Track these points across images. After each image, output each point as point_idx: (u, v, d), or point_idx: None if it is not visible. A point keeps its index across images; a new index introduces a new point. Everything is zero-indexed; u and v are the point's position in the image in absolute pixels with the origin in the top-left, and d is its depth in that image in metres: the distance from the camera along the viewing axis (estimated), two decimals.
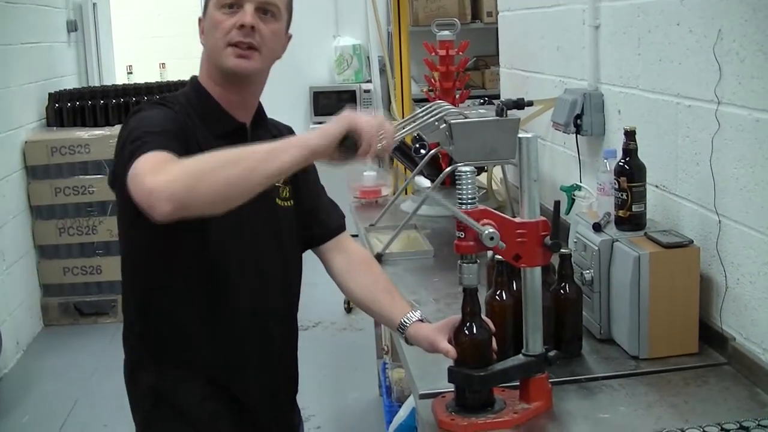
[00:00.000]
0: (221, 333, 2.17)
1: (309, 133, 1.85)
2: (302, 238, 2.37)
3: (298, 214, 2.33)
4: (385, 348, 4.45)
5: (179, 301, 2.15)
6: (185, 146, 1.96)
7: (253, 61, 2.10)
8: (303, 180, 2.33)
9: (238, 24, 2.06)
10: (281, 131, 2.34)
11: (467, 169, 1.93)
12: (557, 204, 1.97)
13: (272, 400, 2.30)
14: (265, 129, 2.28)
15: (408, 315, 2.18)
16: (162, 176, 1.74)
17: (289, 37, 2.27)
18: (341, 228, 2.43)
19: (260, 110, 2.29)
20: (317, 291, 6.65)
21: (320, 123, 6.21)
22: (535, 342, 2.00)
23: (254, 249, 2.20)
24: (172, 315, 2.16)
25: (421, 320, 2.17)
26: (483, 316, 2.03)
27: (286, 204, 2.29)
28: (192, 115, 2.13)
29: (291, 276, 2.34)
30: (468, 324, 1.99)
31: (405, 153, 3.84)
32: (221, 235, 2.11)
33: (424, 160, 3.51)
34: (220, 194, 1.77)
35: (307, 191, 2.38)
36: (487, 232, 1.86)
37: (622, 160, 2.40)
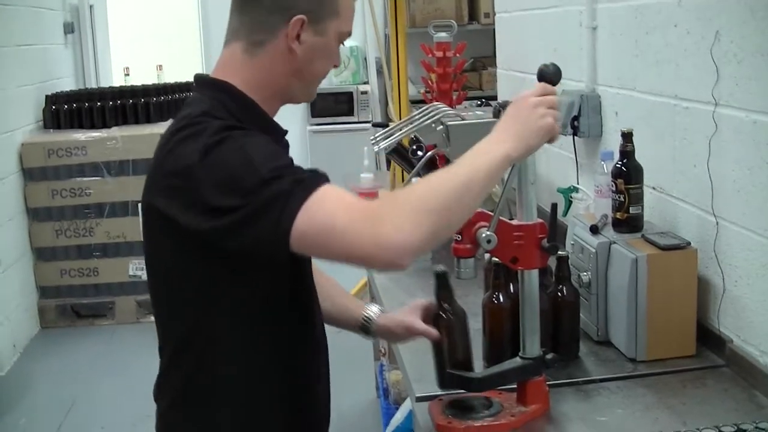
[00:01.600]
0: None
1: (504, 142, 1.78)
2: None
3: None
4: (383, 350, 4.44)
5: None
6: None
7: None
8: None
9: (337, 64, 1.94)
10: None
11: None
12: (554, 206, 1.97)
13: None
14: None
15: (369, 309, 2.17)
16: (401, 225, 1.55)
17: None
18: None
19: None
20: None
21: (318, 125, 6.18)
22: (532, 345, 1.99)
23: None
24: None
25: (382, 312, 2.16)
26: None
27: None
28: (247, 120, 1.84)
29: None
30: (444, 306, 2.03)
31: (402, 155, 3.83)
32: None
33: (421, 162, 3.50)
34: (456, 227, 1.73)
35: None
36: (484, 235, 1.86)
37: (619, 162, 2.40)
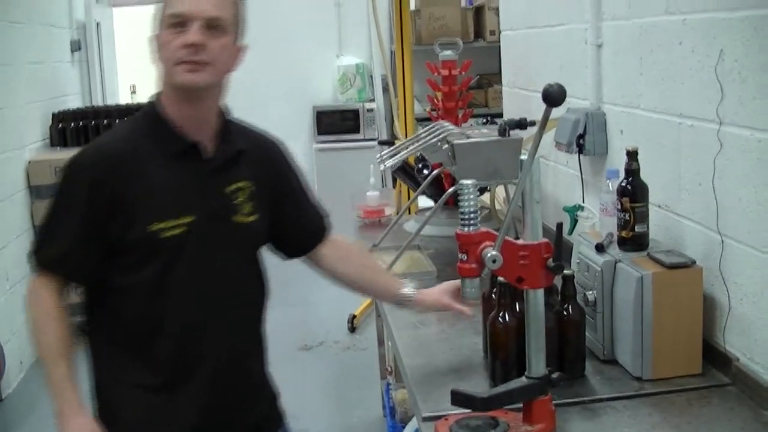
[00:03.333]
0: None
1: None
2: (294, 248, 2.51)
3: (267, 227, 2.36)
4: (389, 368, 4.43)
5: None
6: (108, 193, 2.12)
7: (205, 74, 2.12)
8: (276, 194, 2.37)
9: (185, 43, 2.09)
10: (251, 144, 2.37)
11: (469, 182, 1.92)
12: (559, 226, 1.97)
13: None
14: (228, 145, 2.28)
15: (407, 287, 2.49)
16: None
17: (243, 48, 2.29)
18: (329, 229, 2.53)
19: (225, 125, 2.30)
20: (320, 310, 6.72)
21: (324, 142, 6.26)
22: (538, 364, 1.99)
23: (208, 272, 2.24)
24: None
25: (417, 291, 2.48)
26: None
27: (248, 220, 2.29)
28: (144, 135, 2.21)
29: (250, 290, 2.37)
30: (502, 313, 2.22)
31: (408, 173, 3.85)
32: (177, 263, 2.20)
33: (426, 181, 3.51)
34: None
35: (286, 204, 2.42)
36: (489, 254, 1.86)
37: (625, 181, 2.40)
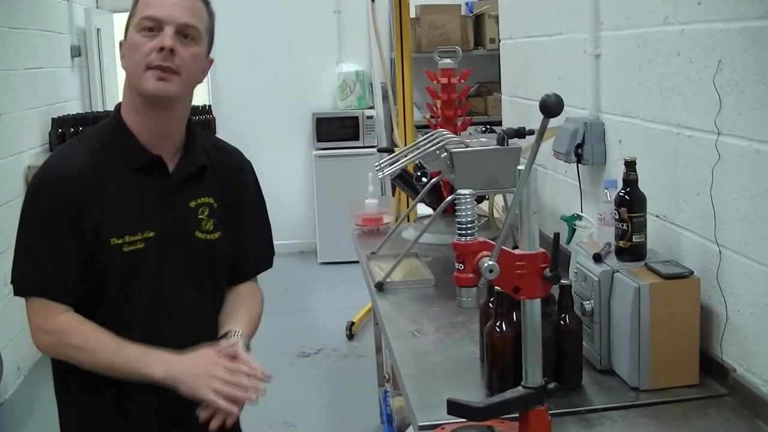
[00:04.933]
0: None
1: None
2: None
3: (228, 244, 2.34)
4: (387, 376, 4.43)
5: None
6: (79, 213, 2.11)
7: (173, 85, 2.11)
8: (232, 212, 2.35)
9: (157, 47, 2.08)
10: (217, 160, 2.35)
11: (466, 192, 1.92)
12: (557, 236, 1.97)
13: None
14: (192, 159, 2.27)
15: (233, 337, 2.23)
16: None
17: (210, 62, 2.28)
18: (262, 269, 2.49)
19: (190, 138, 2.29)
20: (319, 317, 6.72)
21: (323, 149, 6.28)
22: (534, 374, 1.99)
23: (160, 287, 2.21)
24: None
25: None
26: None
27: (209, 237, 2.28)
28: (107, 149, 2.19)
29: (207, 308, 2.32)
30: (499, 322, 2.20)
31: (407, 181, 3.85)
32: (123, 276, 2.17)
33: (425, 189, 3.52)
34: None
35: (236, 225, 2.37)
36: (486, 264, 1.86)
37: (623, 191, 2.40)
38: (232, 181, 2.36)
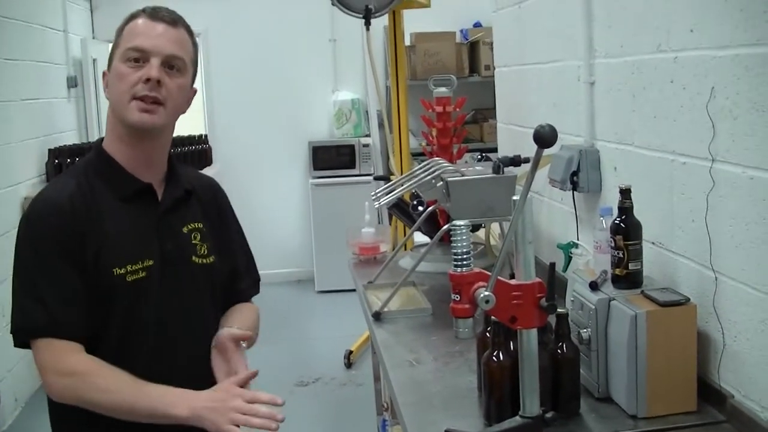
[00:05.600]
0: None
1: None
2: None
3: (222, 266, 2.36)
4: (385, 405, 4.42)
5: None
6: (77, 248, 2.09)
7: (157, 116, 2.13)
8: (220, 239, 2.37)
9: (144, 78, 2.09)
10: (197, 185, 2.38)
11: (461, 222, 1.93)
12: (552, 266, 1.98)
13: None
14: (178, 185, 2.29)
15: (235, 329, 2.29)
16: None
17: (194, 92, 2.30)
18: (252, 294, 2.51)
19: (172, 166, 2.31)
20: (317, 346, 6.71)
21: (319, 177, 6.29)
22: (532, 403, 1.99)
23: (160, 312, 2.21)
24: None
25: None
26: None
27: (206, 261, 2.29)
28: (95, 181, 2.18)
29: (211, 334, 2.32)
30: (496, 352, 2.15)
31: (403, 210, 3.85)
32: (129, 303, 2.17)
33: (421, 217, 3.52)
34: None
35: (227, 250, 2.40)
36: (482, 295, 1.86)
37: (618, 219, 2.41)
38: (214, 204, 2.40)
